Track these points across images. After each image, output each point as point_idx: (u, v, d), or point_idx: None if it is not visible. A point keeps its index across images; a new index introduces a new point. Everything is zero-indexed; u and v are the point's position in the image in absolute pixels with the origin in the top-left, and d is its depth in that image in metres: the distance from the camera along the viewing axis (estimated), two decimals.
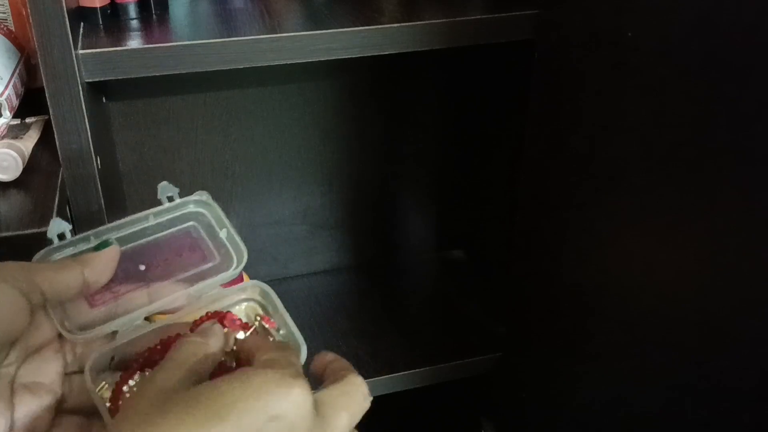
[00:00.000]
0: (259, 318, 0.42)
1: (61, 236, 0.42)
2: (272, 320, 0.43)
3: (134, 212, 0.96)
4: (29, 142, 0.64)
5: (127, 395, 0.38)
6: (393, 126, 0.98)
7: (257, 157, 0.94)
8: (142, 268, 0.43)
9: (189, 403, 0.31)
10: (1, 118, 0.63)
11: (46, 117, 0.63)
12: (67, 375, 0.40)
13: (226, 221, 0.45)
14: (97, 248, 0.41)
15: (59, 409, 0.39)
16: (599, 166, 0.60)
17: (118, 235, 0.43)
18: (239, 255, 0.44)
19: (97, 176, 0.63)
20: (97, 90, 0.71)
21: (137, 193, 0.91)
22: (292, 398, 0.33)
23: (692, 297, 0.51)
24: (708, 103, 0.47)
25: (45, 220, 0.55)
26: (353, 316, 0.96)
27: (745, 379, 0.47)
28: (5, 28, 0.71)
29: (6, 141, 0.62)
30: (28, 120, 0.68)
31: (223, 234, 0.45)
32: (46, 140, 0.65)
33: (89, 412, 0.39)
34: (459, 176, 1.05)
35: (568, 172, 0.65)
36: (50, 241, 0.42)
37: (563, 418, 0.73)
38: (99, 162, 0.64)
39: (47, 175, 0.61)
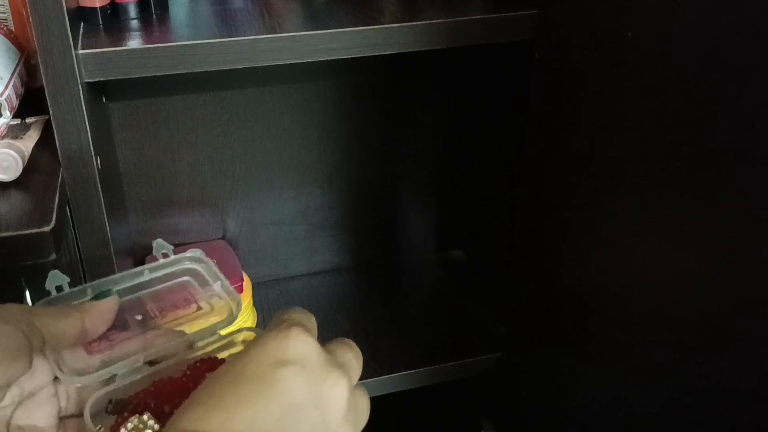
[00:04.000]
0: None
1: (59, 288, 0.43)
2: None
3: (134, 212, 0.96)
4: (29, 142, 0.64)
5: None
6: (393, 126, 0.98)
7: (257, 157, 0.94)
8: (139, 318, 0.45)
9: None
10: (1, 118, 0.63)
11: (46, 117, 0.63)
12: (61, 419, 0.40)
13: (220, 275, 0.47)
14: (95, 299, 0.43)
15: None
16: (599, 166, 0.60)
17: (115, 289, 0.44)
18: (234, 304, 0.45)
19: (97, 176, 0.63)
20: (97, 90, 0.71)
21: (137, 193, 0.92)
22: (292, 340, 0.35)
23: (692, 297, 0.51)
24: (708, 103, 0.47)
25: (45, 220, 0.55)
26: (353, 316, 0.96)
27: (745, 379, 0.47)
28: (5, 28, 0.71)
29: (6, 141, 0.62)
30: (28, 120, 0.68)
31: (217, 286, 0.46)
32: (46, 140, 0.65)
33: None
34: (459, 176, 1.05)
35: (568, 172, 0.65)
36: (47, 293, 0.43)
37: (563, 418, 0.73)
38: (99, 162, 0.64)
39: (47, 175, 0.61)
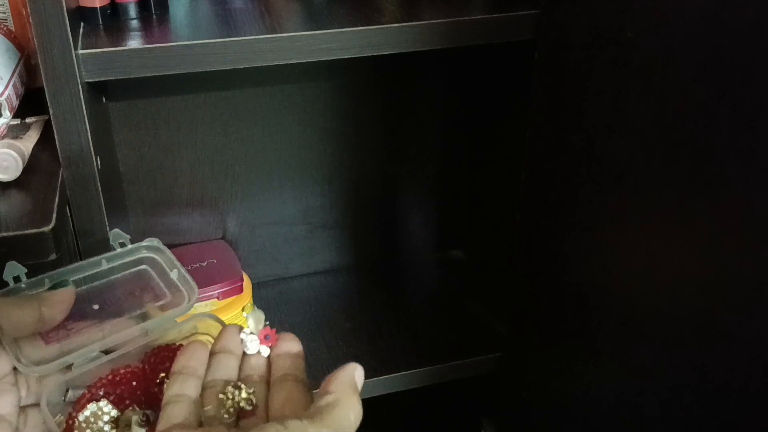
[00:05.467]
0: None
1: (17, 279, 0.43)
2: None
3: (134, 212, 0.96)
4: (29, 142, 0.64)
5: (83, 425, 0.39)
6: (393, 126, 0.98)
7: (257, 157, 0.94)
8: (96, 307, 0.45)
9: None
10: (1, 118, 0.63)
11: (46, 117, 0.63)
12: (21, 408, 0.41)
13: (177, 263, 0.47)
14: (52, 289, 0.43)
15: None
16: (601, 166, 0.60)
17: (72, 278, 0.45)
18: (191, 292, 0.46)
19: (97, 176, 0.63)
20: (97, 90, 0.71)
21: (137, 193, 0.91)
22: None
23: (693, 296, 0.51)
24: (710, 103, 0.47)
25: (45, 220, 0.55)
26: (353, 316, 0.96)
27: (745, 379, 0.47)
28: (5, 28, 0.71)
29: (6, 141, 0.62)
30: (28, 120, 0.68)
31: (174, 275, 0.47)
32: (46, 140, 0.65)
33: None
34: (459, 176, 1.05)
35: (569, 172, 0.65)
36: (5, 284, 0.43)
37: (564, 418, 0.73)
38: (99, 162, 0.64)
39: (47, 175, 0.61)
